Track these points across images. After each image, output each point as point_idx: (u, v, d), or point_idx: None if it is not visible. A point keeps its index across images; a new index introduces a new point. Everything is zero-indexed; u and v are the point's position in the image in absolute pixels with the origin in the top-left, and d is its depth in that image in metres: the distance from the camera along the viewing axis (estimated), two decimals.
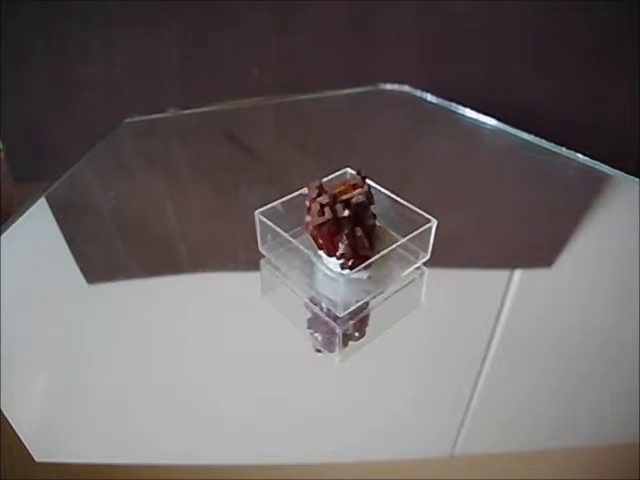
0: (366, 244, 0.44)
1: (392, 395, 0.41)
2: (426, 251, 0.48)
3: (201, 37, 1.00)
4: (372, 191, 0.47)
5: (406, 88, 0.81)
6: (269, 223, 0.47)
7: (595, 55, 0.96)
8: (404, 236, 0.46)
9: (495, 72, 1.00)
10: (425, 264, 0.49)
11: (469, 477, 0.37)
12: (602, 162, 0.65)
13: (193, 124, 0.80)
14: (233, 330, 0.46)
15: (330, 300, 0.44)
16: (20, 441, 0.37)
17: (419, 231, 0.46)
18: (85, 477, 0.37)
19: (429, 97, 0.78)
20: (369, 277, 0.46)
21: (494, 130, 0.72)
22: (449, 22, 0.96)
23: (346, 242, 0.43)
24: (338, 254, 0.44)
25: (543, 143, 0.69)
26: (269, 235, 0.48)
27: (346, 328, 0.44)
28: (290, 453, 0.38)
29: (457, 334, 0.45)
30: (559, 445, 0.38)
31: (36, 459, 0.36)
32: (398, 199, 0.49)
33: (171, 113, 0.81)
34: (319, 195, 0.44)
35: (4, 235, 0.55)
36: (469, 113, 0.74)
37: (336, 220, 0.43)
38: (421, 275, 0.49)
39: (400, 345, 0.45)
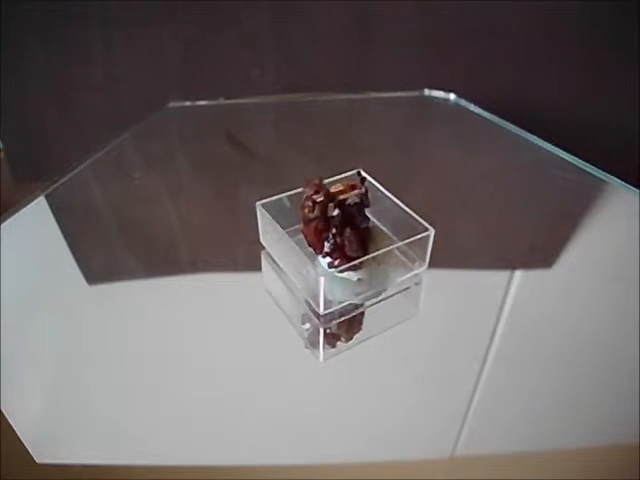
0: (354, 245, 0.44)
1: (391, 396, 0.41)
2: (424, 260, 0.47)
3: (201, 37, 1.00)
4: (379, 194, 0.47)
5: (452, 97, 0.80)
6: (267, 215, 0.47)
7: (595, 55, 0.96)
8: (403, 242, 0.46)
9: (495, 72, 1.00)
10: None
11: (469, 478, 0.37)
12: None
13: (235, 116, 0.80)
14: (232, 328, 0.46)
15: (314, 297, 0.44)
16: (20, 442, 0.37)
17: (414, 239, 0.46)
18: (85, 478, 0.37)
19: (472, 107, 0.77)
20: (359, 279, 0.45)
21: (528, 144, 0.71)
22: (449, 22, 0.96)
23: (332, 241, 0.43)
24: (323, 252, 0.44)
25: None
26: (270, 228, 0.48)
27: (329, 326, 0.44)
28: (289, 454, 0.38)
29: (457, 335, 0.45)
30: (560, 446, 0.39)
31: (36, 460, 0.36)
32: (400, 204, 0.48)
33: (219, 101, 0.82)
34: (316, 192, 0.44)
35: (4, 225, 0.56)
36: (510, 127, 0.72)
37: (325, 218, 0.43)
38: (418, 283, 0.48)
39: (399, 346, 0.45)
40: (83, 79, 1.03)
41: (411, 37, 0.98)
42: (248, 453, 0.37)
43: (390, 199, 0.49)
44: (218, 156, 0.72)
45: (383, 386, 0.42)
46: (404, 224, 0.47)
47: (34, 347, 0.45)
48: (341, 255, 0.44)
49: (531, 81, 1.00)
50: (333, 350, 0.44)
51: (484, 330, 0.46)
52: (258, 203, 0.48)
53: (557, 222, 0.59)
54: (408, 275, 0.48)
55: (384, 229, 0.50)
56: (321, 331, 0.44)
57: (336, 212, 0.43)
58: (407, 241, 0.46)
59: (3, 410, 0.39)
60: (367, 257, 0.44)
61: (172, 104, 0.82)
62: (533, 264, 0.55)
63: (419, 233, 0.45)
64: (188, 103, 0.83)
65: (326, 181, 0.47)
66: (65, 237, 0.56)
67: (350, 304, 0.45)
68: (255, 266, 0.52)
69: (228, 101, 0.83)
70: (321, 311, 0.44)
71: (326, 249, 0.44)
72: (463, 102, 0.78)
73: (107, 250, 0.55)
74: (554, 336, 0.45)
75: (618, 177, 0.63)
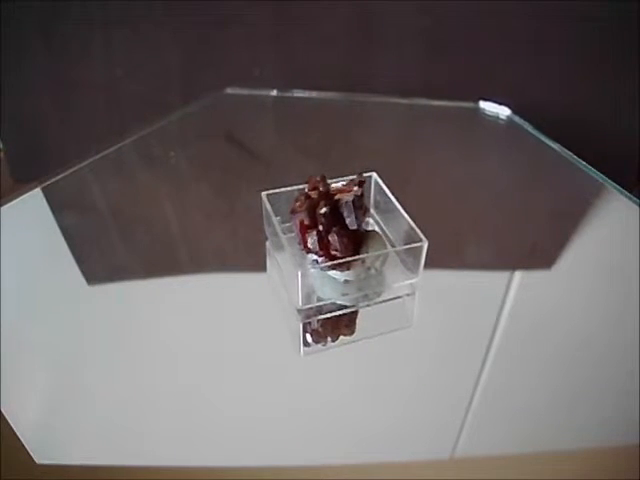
0: (339, 245, 0.43)
1: (391, 396, 0.41)
2: (417, 270, 0.46)
3: (201, 37, 1.00)
4: (385, 199, 0.47)
5: (506, 111, 0.78)
6: (268, 207, 0.47)
7: (596, 55, 0.96)
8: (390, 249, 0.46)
9: (495, 72, 1.00)
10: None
11: (469, 478, 0.37)
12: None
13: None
14: (232, 327, 0.46)
15: (296, 291, 0.44)
16: (20, 442, 0.37)
17: (404, 247, 0.46)
18: (85, 478, 0.37)
19: (527, 126, 0.74)
20: (346, 281, 0.45)
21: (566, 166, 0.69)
22: (449, 22, 0.96)
23: (315, 238, 0.43)
24: (306, 249, 0.44)
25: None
26: (277, 218, 0.48)
27: (308, 322, 0.44)
28: (291, 454, 0.38)
29: (456, 336, 0.45)
30: (559, 447, 0.38)
31: (36, 461, 0.36)
32: (402, 211, 0.47)
33: (272, 92, 0.82)
34: (314, 189, 0.44)
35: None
36: (557, 147, 0.70)
37: (312, 215, 0.43)
38: (410, 294, 0.48)
39: (398, 346, 0.45)
40: (83, 79, 1.03)
41: (412, 36, 0.98)
42: (251, 453, 0.37)
43: (394, 205, 0.48)
44: (224, 155, 0.72)
45: (382, 387, 0.42)
46: (406, 232, 0.47)
47: (34, 348, 0.45)
48: (326, 253, 0.43)
49: (531, 81, 1.00)
50: (320, 347, 0.44)
51: (484, 330, 0.46)
52: (263, 193, 0.48)
53: (557, 223, 0.59)
54: (400, 283, 0.47)
55: (389, 235, 0.50)
56: (300, 326, 0.44)
57: (323, 210, 0.43)
58: (395, 249, 0.46)
59: (3, 410, 0.39)
60: (351, 259, 0.43)
61: (229, 90, 0.82)
62: (533, 265, 0.55)
63: (414, 242, 0.45)
64: (245, 91, 0.83)
65: (330, 181, 0.46)
66: (64, 232, 0.56)
67: (336, 304, 0.45)
68: (254, 264, 0.52)
69: (282, 93, 0.83)
70: (298, 305, 0.44)
71: (309, 245, 0.43)
72: (517, 118, 0.76)
73: (108, 249, 0.55)
74: (554, 336, 0.45)
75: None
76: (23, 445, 0.37)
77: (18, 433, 0.37)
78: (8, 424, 0.38)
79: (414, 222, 0.45)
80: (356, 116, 0.82)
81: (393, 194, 0.49)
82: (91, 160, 0.66)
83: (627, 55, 0.94)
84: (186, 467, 0.37)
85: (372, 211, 0.52)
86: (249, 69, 1.02)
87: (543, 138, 0.71)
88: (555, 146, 0.70)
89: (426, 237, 0.44)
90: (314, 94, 0.83)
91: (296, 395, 0.41)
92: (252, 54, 1.01)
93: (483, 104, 0.79)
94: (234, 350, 0.44)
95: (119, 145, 0.68)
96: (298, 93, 0.83)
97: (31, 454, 0.36)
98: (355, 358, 0.43)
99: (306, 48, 1.01)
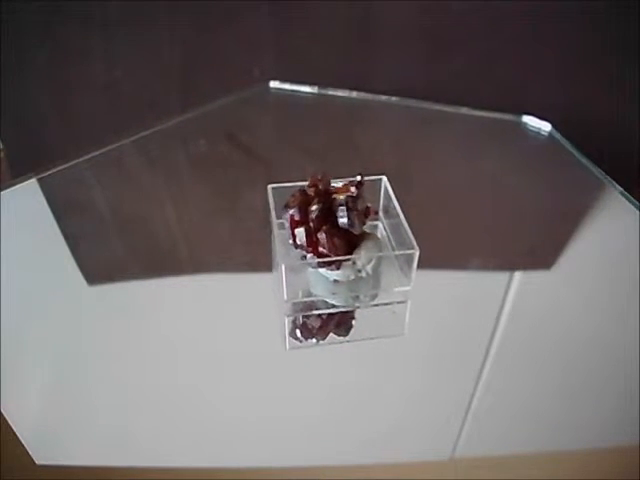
0: (327, 244, 0.42)
1: (391, 397, 0.41)
2: (409, 277, 0.45)
3: (201, 37, 1.00)
4: (391, 203, 0.47)
5: (547, 126, 0.77)
6: (270, 201, 0.47)
7: (596, 54, 0.96)
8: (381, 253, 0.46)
9: (495, 72, 1.00)
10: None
11: (469, 479, 0.37)
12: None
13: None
14: (232, 326, 0.46)
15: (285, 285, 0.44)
16: (20, 443, 0.37)
17: (396, 253, 0.46)
18: (85, 479, 0.37)
19: (568, 145, 0.72)
20: (335, 280, 0.45)
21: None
22: (449, 21, 0.96)
23: (303, 234, 0.43)
24: (294, 243, 0.44)
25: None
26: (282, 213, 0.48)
27: (294, 317, 0.45)
28: (293, 454, 0.38)
29: (456, 336, 0.45)
30: (559, 448, 0.39)
31: (36, 462, 0.36)
32: (401, 216, 0.46)
33: (314, 89, 0.83)
34: (313, 186, 0.44)
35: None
36: (597, 171, 0.67)
37: (304, 211, 0.43)
38: (404, 301, 0.47)
39: (398, 346, 0.45)
40: (83, 79, 1.03)
41: (412, 36, 0.98)
42: (251, 454, 0.37)
43: (396, 210, 0.47)
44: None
45: (382, 386, 0.42)
46: (405, 238, 0.46)
47: (34, 348, 0.45)
48: (314, 251, 0.43)
49: (531, 81, 1.00)
50: (308, 343, 0.44)
51: (484, 331, 0.46)
52: (269, 186, 0.48)
53: (556, 223, 0.59)
54: (393, 290, 0.47)
55: (392, 240, 0.49)
56: (286, 320, 0.45)
57: (314, 207, 0.43)
58: (385, 254, 0.46)
59: (3, 411, 0.39)
60: (336, 258, 0.43)
61: (272, 84, 0.83)
62: (532, 265, 0.55)
63: (407, 249, 0.44)
64: (287, 86, 0.83)
65: (337, 180, 0.46)
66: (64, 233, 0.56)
67: (326, 302, 0.45)
68: (258, 260, 0.52)
69: (323, 91, 0.84)
70: (284, 298, 0.44)
71: (297, 241, 0.43)
72: (558, 136, 0.74)
73: (107, 246, 0.55)
74: (554, 337, 0.45)
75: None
76: (23, 445, 0.37)
77: (18, 433, 0.37)
78: (8, 424, 0.38)
79: (419, 227, 0.45)
80: (392, 121, 0.82)
81: (404, 199, 0.48)
82: (89, 155, 0.66)
83: (628, 54, 0.94)
84: (186, 467, 0.37)
85: (381, 215, 0.52)
86: (249, 69, 1.02)
87: (576, 153, 0.70)
88: (585, 161, 0.68)
89: (429, 240, 0.44)
90: (354, 94, 0.83)
91: (295, 395, 0.41)
92: (252, 54, 1.01)
93: (525, 118, 0.78)
94: (233, 349, 0.44)
95: (140, 135, 0.69)
96: (340, 92, 0.83)
97: (31, 455, 0.36)
98: (355, 357, 0.43)
99: (306, 48, 1.00)
